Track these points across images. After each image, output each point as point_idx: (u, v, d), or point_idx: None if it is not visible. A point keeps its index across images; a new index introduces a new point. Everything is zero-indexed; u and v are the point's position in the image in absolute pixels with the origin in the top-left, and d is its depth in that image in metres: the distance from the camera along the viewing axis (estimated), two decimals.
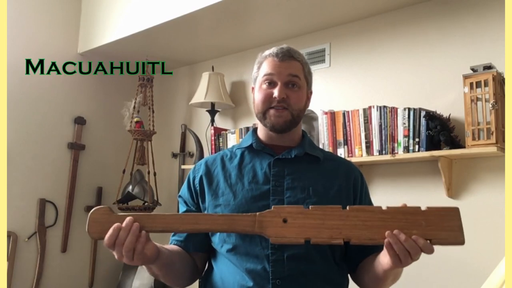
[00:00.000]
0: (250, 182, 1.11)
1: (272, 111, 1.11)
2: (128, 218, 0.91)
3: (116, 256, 0.92)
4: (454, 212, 0.88)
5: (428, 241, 0.87)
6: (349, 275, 1.17)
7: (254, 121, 2.65)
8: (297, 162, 1.13)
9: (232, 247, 1.07)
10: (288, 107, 1.11)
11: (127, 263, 0.92)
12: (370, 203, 1.20)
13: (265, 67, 1.14)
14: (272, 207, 0.93)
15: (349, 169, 1.19)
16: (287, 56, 1.13)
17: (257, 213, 0.92)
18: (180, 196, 1.22)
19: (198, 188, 1.16)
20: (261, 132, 1.19)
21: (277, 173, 1.11)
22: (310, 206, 0.91)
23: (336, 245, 1.08)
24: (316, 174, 1.13)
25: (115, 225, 0.90)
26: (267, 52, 1.17)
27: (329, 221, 0.89)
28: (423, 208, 0.89)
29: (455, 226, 0.87)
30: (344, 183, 1.14)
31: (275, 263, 1.03)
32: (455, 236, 0.87)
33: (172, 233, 1.17)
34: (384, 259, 0.94)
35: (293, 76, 1.12)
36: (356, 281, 1.16)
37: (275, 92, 1.10)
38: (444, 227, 0.87)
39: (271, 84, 1.12)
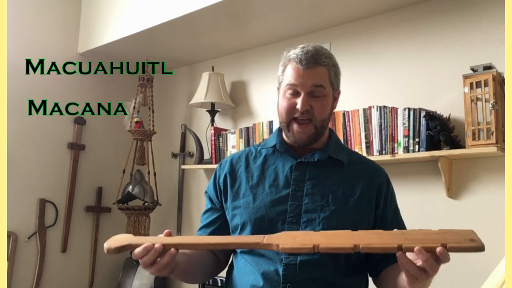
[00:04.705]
0: (270, 185, 1.11)
1: (295, 126, 1.10)
2: (157, 245, 0.92)
3: (143, 265, 0.94)
4: (469, 231, 0.85)
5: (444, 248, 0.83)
6: (372, 279, 1.16)
7: (254, 121, 2.65)
8: (319, 166, 1.12)
9: (248, 249, 1.09)
10: (312, 118, 1.09)
11: (155, 274, 0.96)
12: (395, 211, 1.18)
13: (289, 74, 1.10)
14: (282, 233, 0.94)
15: (375, 173, 1.16)
16: (312, 63, 1.08)
17: (265, 237, 0.93)
18: (206, 192, 1.24)
19: (222, 187, 1.18)
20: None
21: (298, 177, 1.11)
22: (320, 232, 0.92)
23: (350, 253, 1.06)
24: (338, 179, 1.11)
25: (147, 246, 0.92)
26: (292, 55, 1.11)
27: (338, 236, 0.89)
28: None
29: (472, 238, 0.84)
30: (366, 189, 1.11)
31: (287, 267, 1.03)
32: (473, 243, 0.83)
33: (198, 228, 1.22)
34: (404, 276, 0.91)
35: (317, 86, 1.08)
36: (378, 286, 1.14)
37: (298, 103, 1.08)
38: (460, 239, 0.84)
39: (294, 94, 1.10)
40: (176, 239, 0.96)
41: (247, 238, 0.98)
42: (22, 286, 2.65)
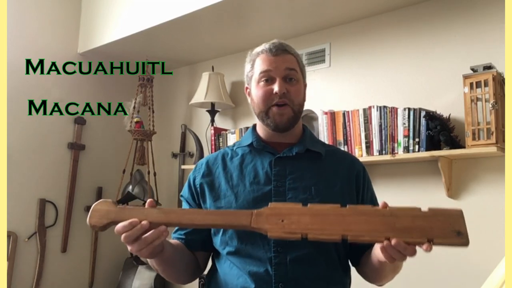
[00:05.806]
0: (251, 183, 1.10)
1: (274, 109, 1.10)
2: (144, 223, 0.90)
3: (125, 240, 0.90)
4: (458, 216, 0.87)
5: (431, 242, 0.85)
6: (354, 268, 1.17)
7: (254, 121, 2.64)
8: (298, 160, 1.12)
9: (234, 250, 1.06)
10: (290, 102, 1.10)
11: (135, 252, 0.92)
12: (372, 197, 1.19)
13: (260, 64, 1.13)
14: (270, 204, 0.91)
15: (352, 163, 1.18)
16: (280, 50, 1.13)
17: (254, 211, 0.91)
18: (182, 196, 1.21)
19: (198, 189, 1.15)
20: (261, 130, 1.18)
21: (278, 172, 1.10)
22: (308, 204, 0.90)
23: (337, 242, 1.07)
24: (318, 171, 1.12)
25: (142, 225, 0.90)
26: (258, 49, 1.17)
27: (327, 219, 0.88)
28: (424, 208, 0.87)
29: (459, 229, 0.85)
30: (346, 179, 1.13)
31: (278, 266, 1.02)
32: (459, 239, 0.85)
33: (174, 230, 1.17)
34: (379, 252, 0.93)
35: (290, 69, 1.12)
36: (360, 273, 1.16)
37: (275, 87, 1.09)
38: (447, 230, 0.86)
39: (269, 80, 1.11)
40: (161, 216, 0.92)
41: (235, 218, 0.93)
42: (22, 286, 2.65)
